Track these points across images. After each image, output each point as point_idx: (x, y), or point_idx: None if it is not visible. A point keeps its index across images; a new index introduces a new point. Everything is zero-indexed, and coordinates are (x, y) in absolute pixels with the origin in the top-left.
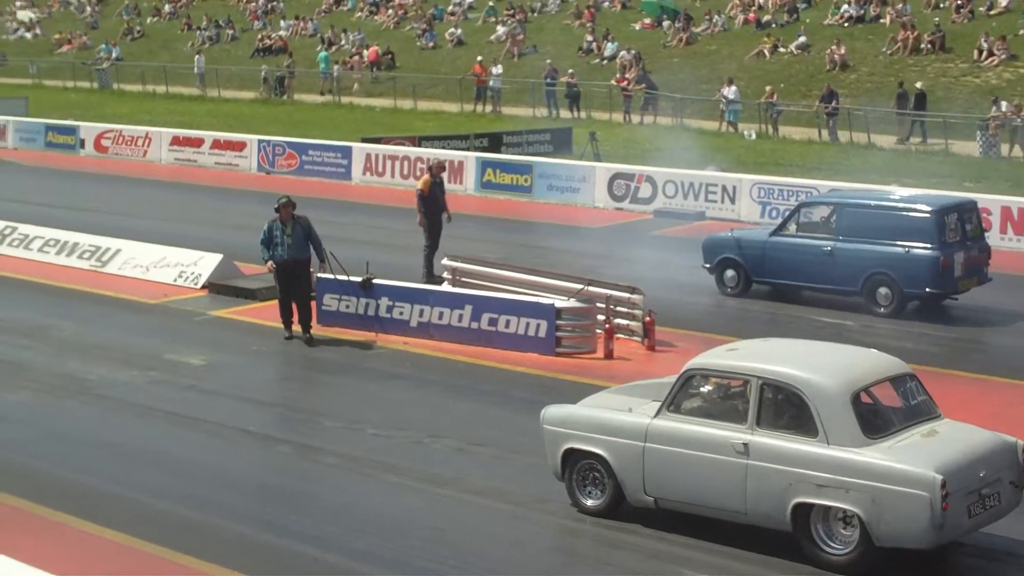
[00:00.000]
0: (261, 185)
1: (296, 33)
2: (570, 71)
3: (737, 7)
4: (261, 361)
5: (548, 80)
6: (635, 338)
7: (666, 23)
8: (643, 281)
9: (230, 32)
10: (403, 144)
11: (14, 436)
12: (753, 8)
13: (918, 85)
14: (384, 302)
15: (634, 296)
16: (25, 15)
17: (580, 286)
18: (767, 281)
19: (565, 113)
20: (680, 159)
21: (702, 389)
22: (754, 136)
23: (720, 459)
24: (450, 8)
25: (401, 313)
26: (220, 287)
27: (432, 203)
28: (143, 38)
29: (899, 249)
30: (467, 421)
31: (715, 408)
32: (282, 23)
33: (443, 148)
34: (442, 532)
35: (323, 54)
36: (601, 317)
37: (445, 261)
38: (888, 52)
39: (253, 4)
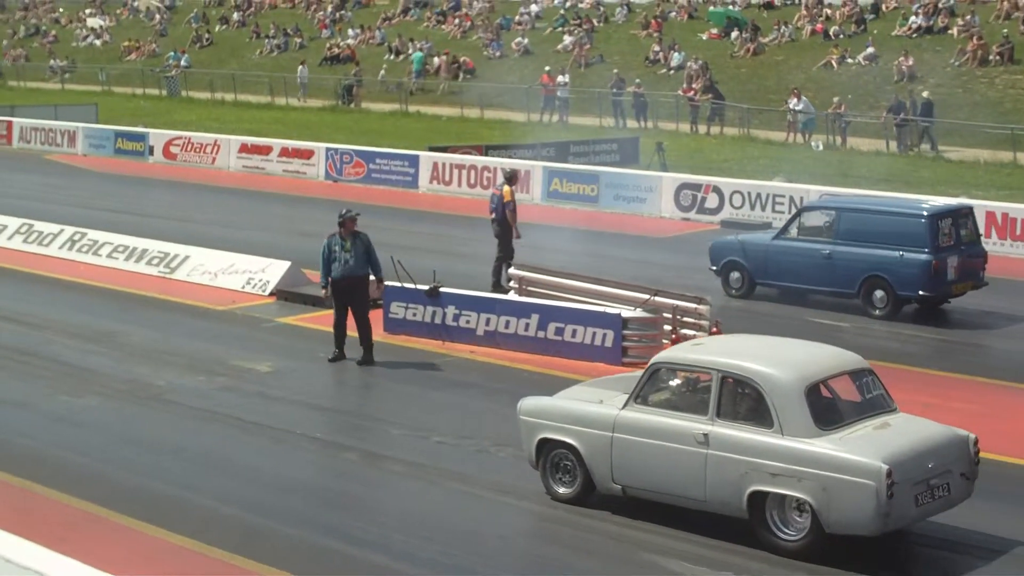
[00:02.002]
0: (329, 193)
1: (363, 42)
2: (637, 81)
3: (805, 18)
4: (328, 368)
5: (615, 90)
6: None
7: (733, 33)
8: (701, 289)
9: (298, 41)
10: (470, 153)
11: (83, 441)
12: (821, 19)
13: (924, 94)
14: (451, 311)
15: (701, 306)
16: (95, 22)
17: (647, 296)
18: (769, 283)
19: (632, 123)
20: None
21: (667, 382)
22: (821, 147)
23: (682, 449)
24: (517, 18)
25: (468, 322)
26: (288, 294)
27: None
28: (212, 46)
29: (894, 253)
30: None
31: (679, 400)
32: (350, 32)
33: (510, 157)
34: (507, 540)
35: (418, 55)
36: (668, 327)
37: (512, 270)
38: (956, 63)
39: (321, 13)
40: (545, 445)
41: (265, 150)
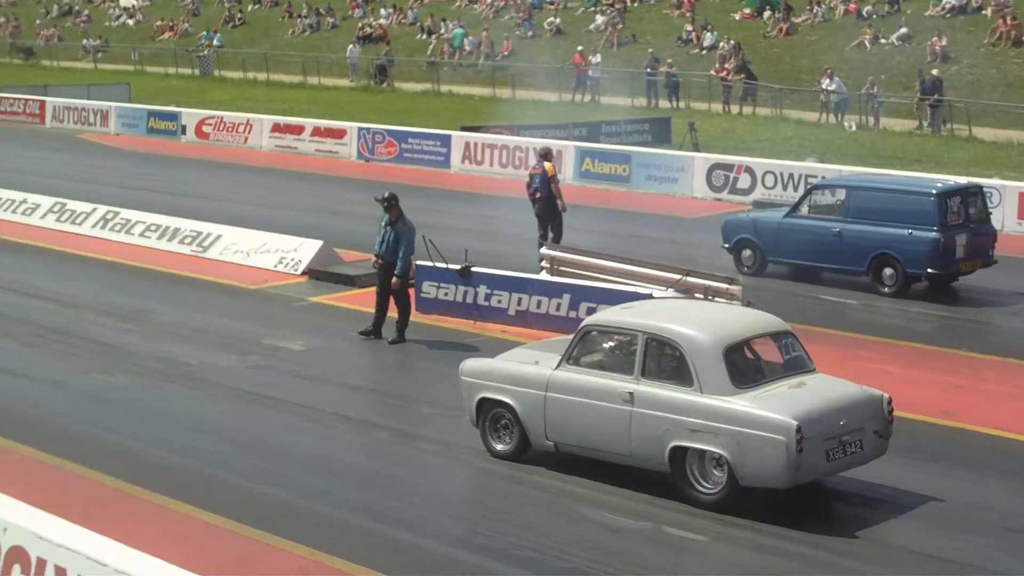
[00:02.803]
0: (361, 173)
1: (395, 21)
2: (669, 61)
3: None
4: (360, 347)
5: (647, 70)
6: None
7: (766, 13)
8: (733, 270)
9: (330, 20)
10: (502, 133)
11: (115, 419)
12: None
13: (934, 72)
14: (482, 290)
15: (732, 287)
16: (128, 2)
17: (678, 276)
18: (781, 261)
19: (664, 103)
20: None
21: (597, 343)
22: (854, 127)
23: (609, 407)
24: None
25: (499, 301)
26: (320, 273)
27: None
28: (244, 25)
29: (903, 231)
30: None
31: (607, 360)
32: (382, 12)
33: (542, 137)
34: (538, 519)
35: (458, 31)
36: None
37: (543, 250)
38: (989, 43)
39: None
40: (484, 404)
41: (297, 130)
